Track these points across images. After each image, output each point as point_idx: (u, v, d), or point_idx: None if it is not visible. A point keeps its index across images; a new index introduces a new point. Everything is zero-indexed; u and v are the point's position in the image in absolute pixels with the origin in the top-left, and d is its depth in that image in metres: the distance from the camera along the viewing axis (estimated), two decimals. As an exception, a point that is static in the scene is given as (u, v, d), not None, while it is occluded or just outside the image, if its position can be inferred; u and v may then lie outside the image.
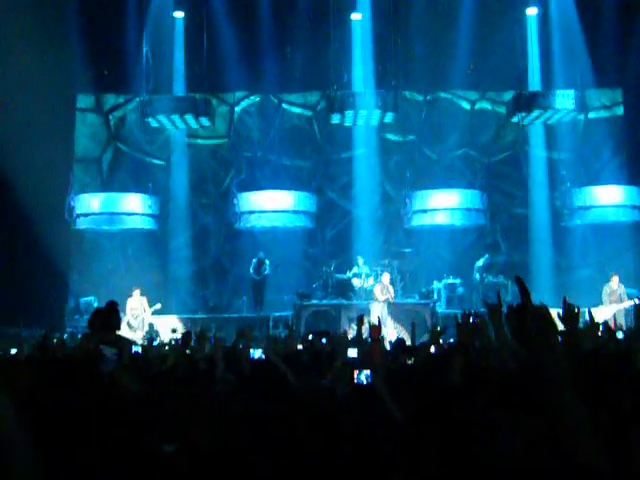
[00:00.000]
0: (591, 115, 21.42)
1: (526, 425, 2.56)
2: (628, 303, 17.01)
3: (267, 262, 19.35)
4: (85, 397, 3.54)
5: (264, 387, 3.63)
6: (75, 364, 3.91)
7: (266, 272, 19.29)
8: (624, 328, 11.41)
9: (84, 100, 21.51)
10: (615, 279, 17.85)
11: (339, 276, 19.11)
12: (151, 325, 17.98)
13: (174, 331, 13.55)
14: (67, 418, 3.18)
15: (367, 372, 4.15)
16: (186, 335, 6.54)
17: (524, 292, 2.30)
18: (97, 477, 2.97)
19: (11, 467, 2.15)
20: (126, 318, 17.26)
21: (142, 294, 18.35)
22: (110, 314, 7.15)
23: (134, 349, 6.96)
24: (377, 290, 17.69)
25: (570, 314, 4.35)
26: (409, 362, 5.76)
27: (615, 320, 16.29)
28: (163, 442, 3.64)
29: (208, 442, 2.88)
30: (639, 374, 3.83)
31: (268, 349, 5.55)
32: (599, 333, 6.94)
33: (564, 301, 4.37)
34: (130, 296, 18.07)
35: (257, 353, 5.73)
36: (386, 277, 18.01)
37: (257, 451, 2.83)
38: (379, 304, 17.35)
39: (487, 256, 19.75)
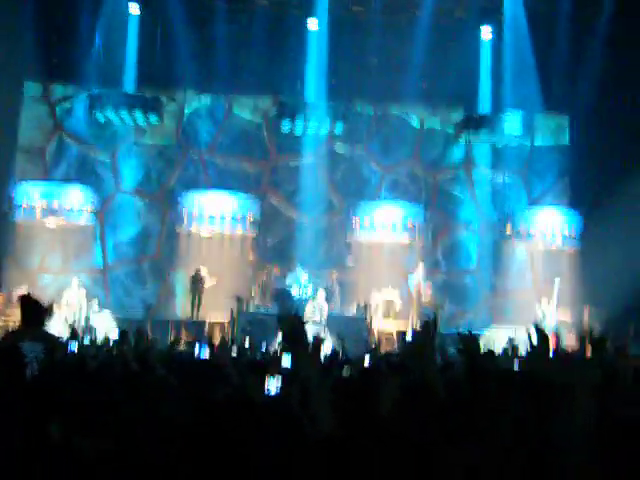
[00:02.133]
0: (537, 140, 21.72)
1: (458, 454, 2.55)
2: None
3: (205, 273, 19.09)
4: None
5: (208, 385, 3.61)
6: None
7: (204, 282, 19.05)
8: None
9: (32, 88, 21.05)
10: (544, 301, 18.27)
11: (278, 284, 19.06)
12: (87, 320, 17.57)
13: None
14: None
15: (277, 382, 4.06)
16: (122, 334, 6.42)
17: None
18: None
19: None
20: (62, 312, 16.81)
21: (79, 287, 18.00)
22: (32, 309, 6.89)
23: (70, 348, 6.79)
24: (308, 309, 17.55)
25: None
26: (345, 375, 5.74)
27: (558, 340, 16.57)
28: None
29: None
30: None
31: (220, 353, 5.50)
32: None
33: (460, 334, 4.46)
34: (68, 287, 17.71)
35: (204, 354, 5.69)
36: (321, 294, 17.87)
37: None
38: (310, 325, 17.29)
39: (420, 266, 19.78)
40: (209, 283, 18.99)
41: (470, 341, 4.13)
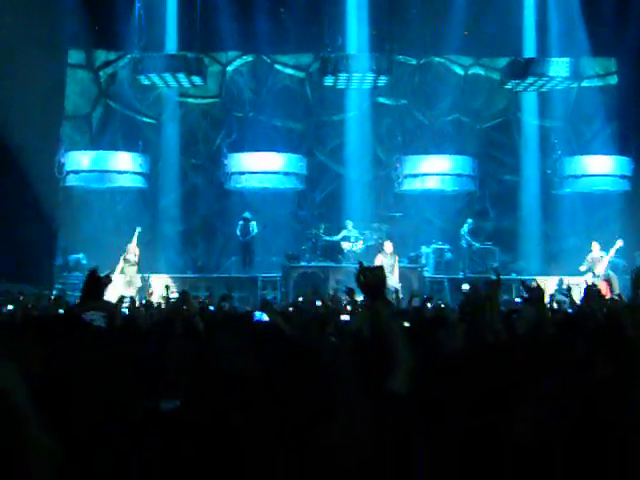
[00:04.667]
0: (584, 84, 21.36)
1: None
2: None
3: (253, 223, 19.28)
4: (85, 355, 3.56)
5: (272, 348, 3.67)
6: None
7: (253, 233, 19.23)
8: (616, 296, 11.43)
9: (75, 56, 21.22)
10: (595, 246, 17.94)
11: (328, 238, 19.13)
12: (144, 279, 17.74)
13: (167, 287, 13.38)
14: (71, 379, 3.20)
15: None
16: (183, 294, 6.55)
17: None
18: (99, 437, 2.99)
19: (22, 438, 2.10)
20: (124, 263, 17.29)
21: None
22: (94, 283, 7.05)
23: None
24: (378, 262, 17.31)
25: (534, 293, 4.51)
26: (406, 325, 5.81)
27: (611, 286, 16.48)
28: (162, 399, 3.67)
29: (215, 398, 2.89)
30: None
31: (273, 313, 5.60)
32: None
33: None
34: (130, 242, 18.07)
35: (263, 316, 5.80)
36: (388, 246, 17.51)
37: (263, 408, 2.85)
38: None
39: (470, 221, 19.72)
40: (257, 229, 19.18)
41: (536, 290, 4.18)
